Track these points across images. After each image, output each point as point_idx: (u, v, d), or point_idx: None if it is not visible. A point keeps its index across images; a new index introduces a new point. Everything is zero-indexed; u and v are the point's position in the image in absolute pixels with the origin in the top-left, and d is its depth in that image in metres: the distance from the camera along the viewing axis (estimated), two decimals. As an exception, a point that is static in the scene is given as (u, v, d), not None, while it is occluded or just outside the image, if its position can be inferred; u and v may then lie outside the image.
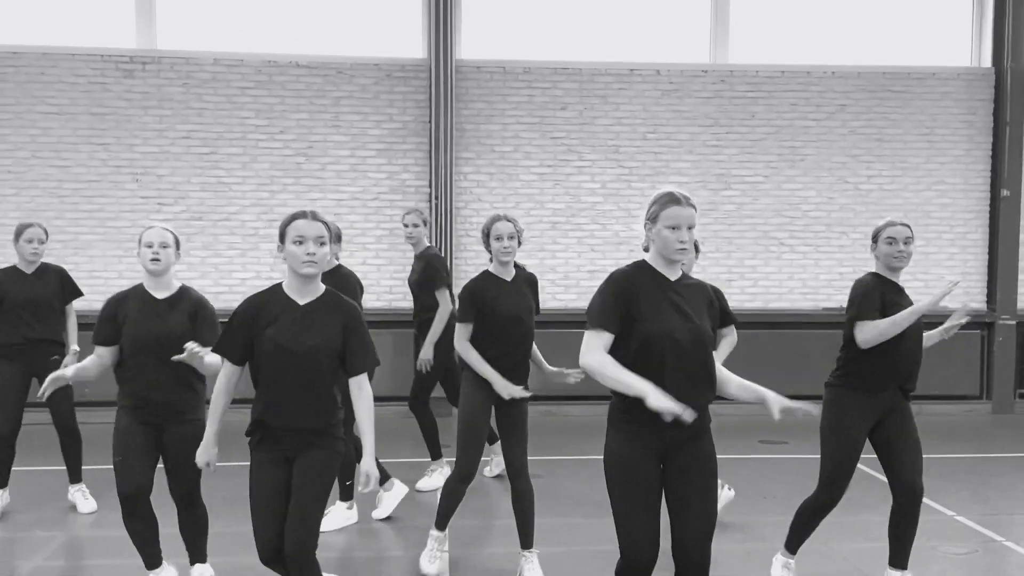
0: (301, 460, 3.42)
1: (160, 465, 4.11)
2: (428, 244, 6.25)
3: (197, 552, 4.35)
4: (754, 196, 9.39)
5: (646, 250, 3.20)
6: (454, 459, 4.53)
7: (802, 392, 3.91)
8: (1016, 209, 9.36)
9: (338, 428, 3.52)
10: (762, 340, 8.81)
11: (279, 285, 3.48)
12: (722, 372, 3.29)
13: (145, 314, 4.02)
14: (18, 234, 5.52)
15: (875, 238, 4.21)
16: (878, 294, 4.06)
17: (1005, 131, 9.28)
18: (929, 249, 9.50)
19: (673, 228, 3.06)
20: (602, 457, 3.20)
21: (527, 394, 4.32)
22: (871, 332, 4.00)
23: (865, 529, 5.24)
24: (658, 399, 2.86)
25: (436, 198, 8.92)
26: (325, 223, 3.43)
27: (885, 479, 4.25)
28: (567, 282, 9.27)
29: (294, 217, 3.41)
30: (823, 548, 4.99)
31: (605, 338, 3.03)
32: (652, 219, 3.11)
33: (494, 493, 5.04)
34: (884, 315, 4.02)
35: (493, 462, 6.45)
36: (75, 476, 5.69)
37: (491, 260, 4.52)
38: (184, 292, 4.15)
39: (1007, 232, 9.36)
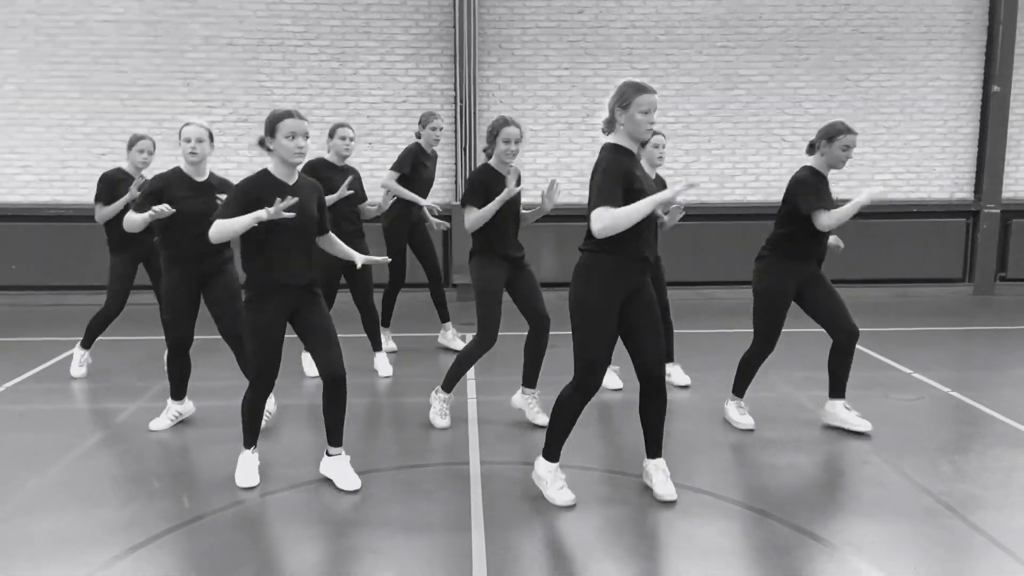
0: (307, 309, 4.23)
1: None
2: None
3: None
4: (759, 95, 9.97)
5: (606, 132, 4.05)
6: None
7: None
8: (1005, 104, 9.85)
9: None
10: (766, 231, 9.45)
11: (266, 171, 4.16)
12: None
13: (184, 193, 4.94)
14: (130, 145, 6.18)
15: (831, 139, 4.76)
16: (825, 187, 4.84)
17: (999, 29, 9.69)
18: (922, 143, 10.10)
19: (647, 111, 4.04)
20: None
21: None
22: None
23: (821, 381, 6.09)
24: (673, 191, 3.64)
25: (461, 101, 9.60)
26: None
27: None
28: (583, 179, 9.94)
29: (285, 115, 4.01)
30: (781, 396, 5.91)
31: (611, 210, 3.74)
32: (624, 106, 3.97)
33: (504, 356, 5.87)
34: (823, 206, 4.73)
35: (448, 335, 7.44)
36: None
37: (489, 157, 5.11)
38: (213, 176, 5.09)
39: (996, 126, 9.88)
